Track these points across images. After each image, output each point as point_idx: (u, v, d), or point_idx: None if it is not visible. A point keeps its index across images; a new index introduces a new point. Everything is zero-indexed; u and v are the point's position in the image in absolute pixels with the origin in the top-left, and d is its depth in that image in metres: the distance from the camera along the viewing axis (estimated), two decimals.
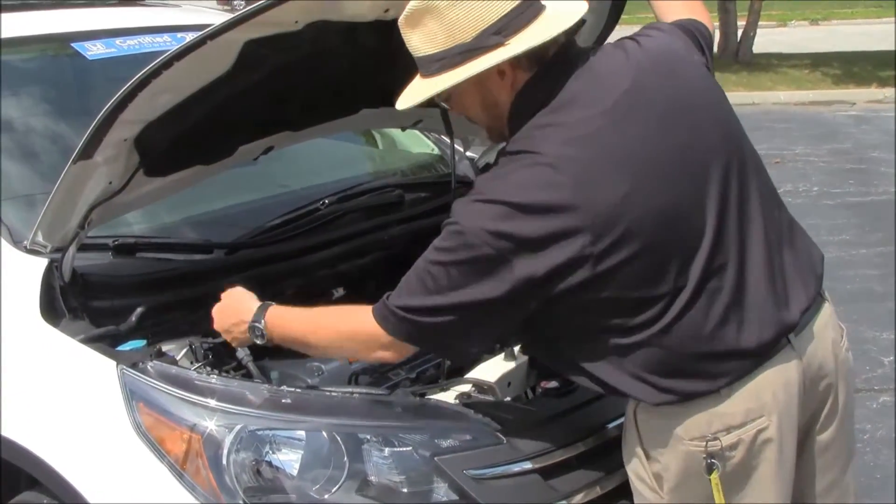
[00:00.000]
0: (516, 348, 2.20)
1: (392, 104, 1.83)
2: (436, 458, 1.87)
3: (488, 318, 1.74)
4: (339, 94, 2.42)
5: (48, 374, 2.06)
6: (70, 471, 1.93)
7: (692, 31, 1.95)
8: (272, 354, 2.13)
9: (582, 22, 1.79)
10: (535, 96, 1.75)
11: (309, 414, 1.90)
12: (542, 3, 1.77)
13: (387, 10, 2.03)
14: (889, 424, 3.78)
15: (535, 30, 1.72)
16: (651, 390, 1.75)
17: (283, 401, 1.92)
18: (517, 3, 1.72)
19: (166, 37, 2.93)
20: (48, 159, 2.60)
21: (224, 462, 1.84)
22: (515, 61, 1.73)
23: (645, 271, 1.69)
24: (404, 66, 1.81)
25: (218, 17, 2.97)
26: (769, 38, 16.26)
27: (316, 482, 1.84)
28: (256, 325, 1.94)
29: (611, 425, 2.02)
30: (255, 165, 2.57)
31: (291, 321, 1.95)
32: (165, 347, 2.09)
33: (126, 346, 2.04)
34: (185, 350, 2.15)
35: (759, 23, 14.74)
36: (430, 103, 1.81)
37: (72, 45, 2.85)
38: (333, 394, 1.96)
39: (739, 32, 14.35)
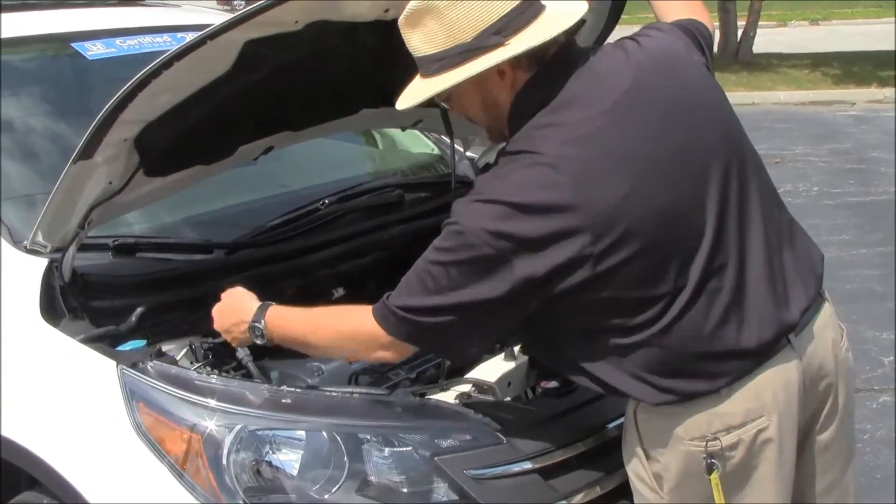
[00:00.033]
0: (516, 348, 2.20)
1: (392, 104, 1.83)
2: (436, 458, 1.87)
3: (488, 318, 1.74)
4: (339, 94, 2.42)
5: (48, 374, 2.06)
6: (70, 471, 1.93)
7: (692, 31, 1.95)
8: (272, 354, 2.13)
9: (582, 22, 1.79)
10: (535, 96, 1.75)
11: (309, 414, 1.90)
12: (542, 3, 1.77)
13: (387, 10, 2.03)
14: (889, 424, 3.78)
15: (535, 30, 1.72)
16: (651, 390, 1.75)
17: (283, 401, 1.92)
18: (517, 3, 1.72)
19: (166, 37, 2.93)
20: (48, 159, 2.60)
21: (224, 462, 1.84)
22: (515, 61, 1.73)
23: (645, 271, 1.69)
24: (404, 66, 1.81)
25: (218, 17, 2.97)
26: (769, 38, 16.25)
27: (316, 482, 1.83)
28: (256, 325, 1.94)
29: (611, 425, 2.02)
30: (255, 165, 2.56)
31: (291, 321, 1.95)
32: (165, 347, 2.09)
33: (126, 346, 2.04)
34: (185, 350, 2.15)
35: (759, 23, 14.73)
36: (430, 103, 1.81)
37: (72, 45, 2.85)
38: (333, 394, 1.96)
39: (739, 32, 14.34)
